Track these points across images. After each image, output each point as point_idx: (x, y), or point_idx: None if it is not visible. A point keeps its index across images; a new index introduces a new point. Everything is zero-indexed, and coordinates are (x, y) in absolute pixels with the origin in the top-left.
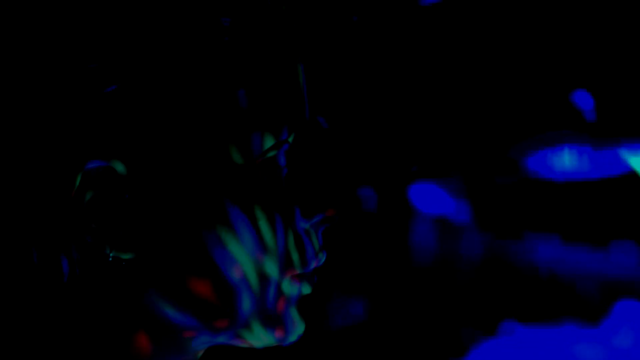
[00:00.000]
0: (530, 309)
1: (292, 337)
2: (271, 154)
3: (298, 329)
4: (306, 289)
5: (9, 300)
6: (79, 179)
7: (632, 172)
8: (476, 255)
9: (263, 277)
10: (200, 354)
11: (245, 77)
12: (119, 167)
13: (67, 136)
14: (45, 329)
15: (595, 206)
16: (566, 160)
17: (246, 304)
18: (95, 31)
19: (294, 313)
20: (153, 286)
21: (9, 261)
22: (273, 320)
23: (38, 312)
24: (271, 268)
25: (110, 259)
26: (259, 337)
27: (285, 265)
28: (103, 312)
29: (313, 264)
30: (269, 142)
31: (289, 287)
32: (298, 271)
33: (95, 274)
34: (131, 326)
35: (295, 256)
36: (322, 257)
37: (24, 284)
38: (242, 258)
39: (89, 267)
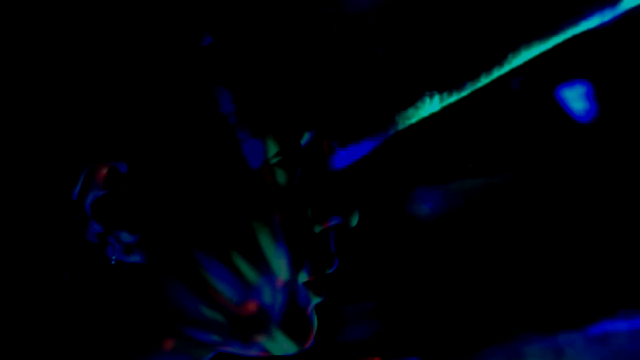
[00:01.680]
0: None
1: (302, 346)
2: (284, 156)
3: (308, 337)
4: (317, 297)
5: (11, 303)
6: (81, 180)
7: None
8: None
9: (274, 284)
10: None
11: (257, 79)
12: (123, 168)
13: (70, 137)
14: (47, 331)
15: None
16: None
17: (256, 309)
18: (101, 32)
19: (304, 321)
20: (158, 291)
21: (11, 263)
22: (283, 328)
23: (40, 315)
24: (283, 274)
25: (113, 262)
26: (267, 345)
27: (296, 271)
28: (104, 316)
29: (324, 271)
30: (281, 144)
31: (300, 294)
32: (309, 278)
33: (97, 277)
34: (131, 331)
35: (306, 262)
36: (334, 264)
37: (25, 286)
38: (250, 263)
39: (91, 270)
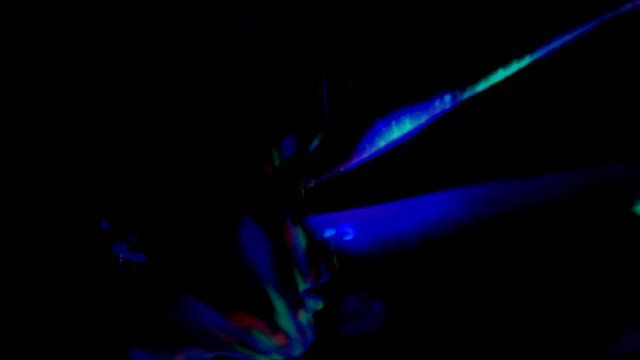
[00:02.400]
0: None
1: (300, 352)
2: (290, 163)
3: (306, 343)
4: (317, 304)
5: (17, 302)
6: (93, 180)
7: None
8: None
9: (277, 289)
10: None
11: (267, 84)
12: (133, 169)
13: (82, 136)
14: (52, 329)
15: None
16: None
17: (262, 317)
18: (116, 34)
19: (303, 327)
20: (163, 291)
21: (20, 263)
22: (283, 333)
23: (47, 313)
24: (286, 280)
25: (121, 261)
26: (267, 349)
27: (300, 277)
28: (110, 313)
29: (325, 277)
30: (288, 151)
31: (301, 301)
32: (311, 284)
33: (105, 276)
34: (133, 328)
35: (310, 268)
36: (334, 271)
37: (34, 284)
38: (255, 269)
39: (99, 269)
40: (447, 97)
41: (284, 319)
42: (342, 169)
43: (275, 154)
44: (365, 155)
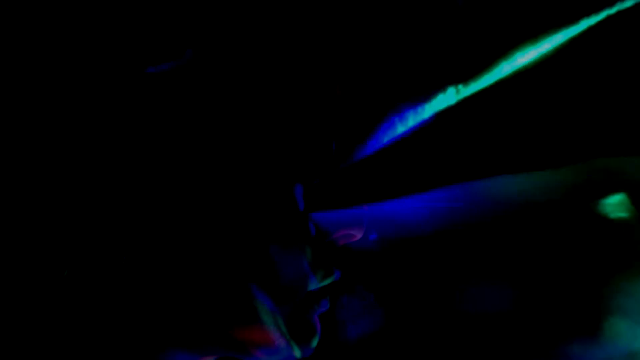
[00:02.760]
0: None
1: (305, 354)
2: (297, 165)
3: (311, 345)
4: (321, 306)
5: (16, 304)
6: (94, 180)
7: None
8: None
9: (282, 292)
10: None
11: (277, 88)
12: (137, 169)
13: (85, 138)
14: (52, 332)
15: None
16: None
17: (266, 318)
18: (123, 40)
19: (308, 329)
20: (164, 293)
21: (19, 265)
22: (287, 336)
23: (46, 315)
24: (291, 282)
25: (124, 261)
26: (270, 352)
27: (304, 279)
28: (111, 315)
29: (327, 282)
30: (296, 153)
31: (305, 304)
32: (315, 287)
33: (106, 277)
34: (137, 331)
35: (316, 269)
36: (337, 275)
37: (34, 287)
38: (260, 273)
39: (101, 270)
40: (451, 92)
41: (287, 320)
42: (344, 167)
43: (282, 155)
44: (368, 152)
